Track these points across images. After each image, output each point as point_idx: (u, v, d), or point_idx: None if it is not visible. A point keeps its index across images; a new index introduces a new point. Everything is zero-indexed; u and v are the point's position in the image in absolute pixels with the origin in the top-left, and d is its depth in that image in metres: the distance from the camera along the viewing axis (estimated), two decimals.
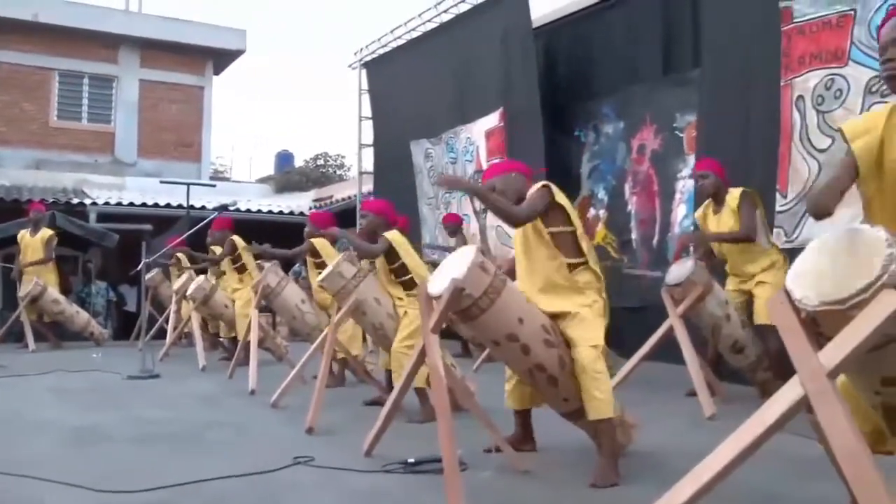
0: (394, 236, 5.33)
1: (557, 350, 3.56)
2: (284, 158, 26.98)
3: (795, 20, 6.32)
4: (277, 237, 14.57)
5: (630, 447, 3.80)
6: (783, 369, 2.21)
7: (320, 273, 6.76)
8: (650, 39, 8.61)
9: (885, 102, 2.52)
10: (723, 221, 5.67)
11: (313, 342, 6.65)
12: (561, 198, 3.76)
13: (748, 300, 5.65)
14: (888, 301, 1.89)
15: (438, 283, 3.41)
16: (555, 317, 3.64)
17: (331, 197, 16.96)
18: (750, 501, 3.12)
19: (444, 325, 3.54)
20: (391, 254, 5.32)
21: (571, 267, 3.73)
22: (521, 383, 3.90)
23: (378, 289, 5.41)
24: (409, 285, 5.32)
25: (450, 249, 8.77)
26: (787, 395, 2.06)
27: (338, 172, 24.66)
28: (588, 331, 3.61)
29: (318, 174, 23.46)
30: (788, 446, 2.99)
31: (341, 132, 67.47)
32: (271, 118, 61.80)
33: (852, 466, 1.95)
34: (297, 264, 12.05)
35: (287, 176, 22.36)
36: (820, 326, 2.05)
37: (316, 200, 17.54)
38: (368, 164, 13.49)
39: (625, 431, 3.75)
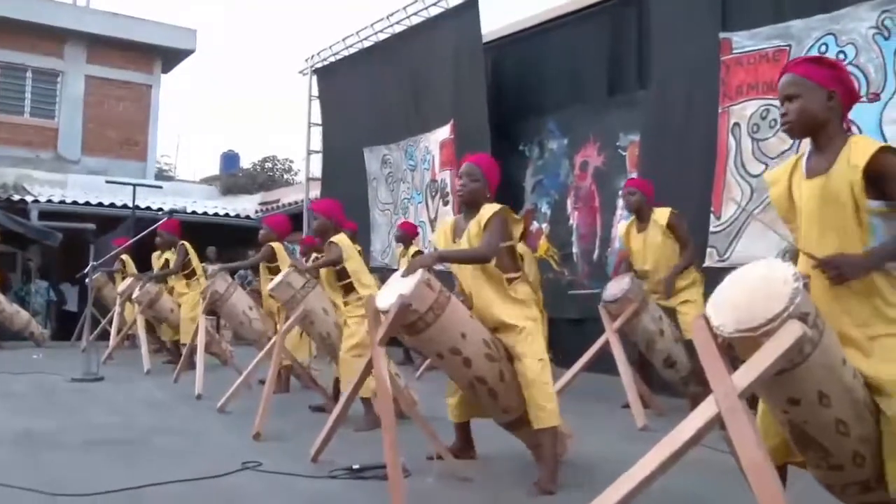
0: (341, 240, 5.42)
1: (498, 364, 3.75)
2: (230, 159, 26.71)
3: (734, 51, 6.64)
4: (224, 239, 14.65)
5: (566, 456, 4.00)
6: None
7: (271, 276, 6.90)
8: (596, 60, 8.91)
9: None
10: (649, 239, 5.92)
11: (260, 348, 6.78)
12: (512, 216, 3.96)
13: (671, 315, 5.89)
14: (792, 330, 2.11)
15: (386, 298, 3.57)
16: (498, 330, 3.83)
17: (277, 201, 16.96)
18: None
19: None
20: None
21: (509, 281, 3.93)
22: (463, 398, 4.07)
23: (325, 299, 5.54)
24: (349, 290, 5.42)
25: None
26: (703, 412, 2.28)
27: (285, 176, 24.57)
28: (533, 345, 3.81)
29: (266, 177, 23.35)
30: (710, 455, 3.20)
31: (289, 136, 66.98)
32: (218, 119, 61.17)
33: (757, 478, 2.17)
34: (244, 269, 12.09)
35: (233, 178, 22.23)
36: (735, 350, 2.27)
37: (262, 204, 17.52)
38: (317, 169, 13.59)
39: (560, 441, 3.95)
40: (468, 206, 4.04)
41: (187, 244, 8.56)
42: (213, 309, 7.30)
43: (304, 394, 6.70)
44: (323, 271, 5.48)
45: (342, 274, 5.40)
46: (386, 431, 3.40)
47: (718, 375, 2.26)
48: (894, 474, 2.34)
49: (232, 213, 16.79)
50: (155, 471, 3.90)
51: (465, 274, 3.96)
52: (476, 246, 3.86)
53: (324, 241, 5.48)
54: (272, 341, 5.75)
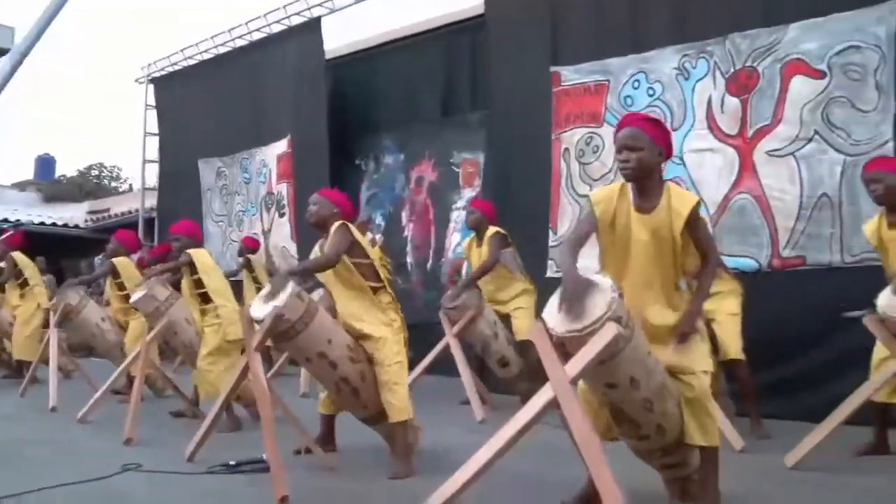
0: (196, 253, 5.77)
1: (360, 365, 4.23)
2: (45, 163, 25.52)
3: (563, 84, 7.45)
4: (51, 249, 14.24)
5: (418, 446, 4.50)
6: (538, 377, 3.00)
7: (119, 292, 7.03)
8: (432, 82, 9.54)
9: None
10: (483, 255, 6.52)
11: (113, 359, 6.91)
12: (357, 235, 4.43)
13: (506, 320, 6.51)
14: (610, 330, 2.71)
15: (260, 308, 3.97)
16: (361, 337, 4.29)
17: (108, 210, 16.60)
18: (515, 485, 3.87)
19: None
20: (194, 268, 5.74)
21: (374, 290, 4.41)
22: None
23: (188, 310, 5.81)
24: (206, 300, 5.74)
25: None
26: (541, 397, 2.84)
27: (112, 184, 23.85)
28: (390, 350, 4.29)
29: (93, 185, 22.62)
30: (547, 439, 3.76)
31: (114, 143, 64.23)
32: (32, 121, 58.00)
33: (586, 448, 2.76)
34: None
35: (56, 185, 21.42)
36: (566, 347, 2.84)
37: (91, 213, 17.07)
38: (150, 179, 13.53)
39: (413, 433, 4.45)
40: (318, 229, 4.53)
41: (15, 255, 8.33)
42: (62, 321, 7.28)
43: (157, 401, 6.90)
44: (185, 283, 5.78)
45: (199, 284, 5.74)
46: (266, 426, 3.79)
47: (553, 366, 2.82)
48: (691, 430, 3.09)
49: (59, 223, 16.29)
50: (32, 479, 3.96)
51: (333, 288, 4.40)
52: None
53: None
54: (136, 351, 5.90)
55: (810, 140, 5.95)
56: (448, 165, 9.34)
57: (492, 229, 6.49)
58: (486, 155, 8.58)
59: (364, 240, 4.52)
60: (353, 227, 4.40)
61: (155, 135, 13.17)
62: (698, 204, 3.17)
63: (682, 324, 3.15)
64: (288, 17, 10.49)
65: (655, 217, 3.16)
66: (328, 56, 10.28)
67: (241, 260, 9.60)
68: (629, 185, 3.27)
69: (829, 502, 3.75)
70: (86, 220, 16.58)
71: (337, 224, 4.36)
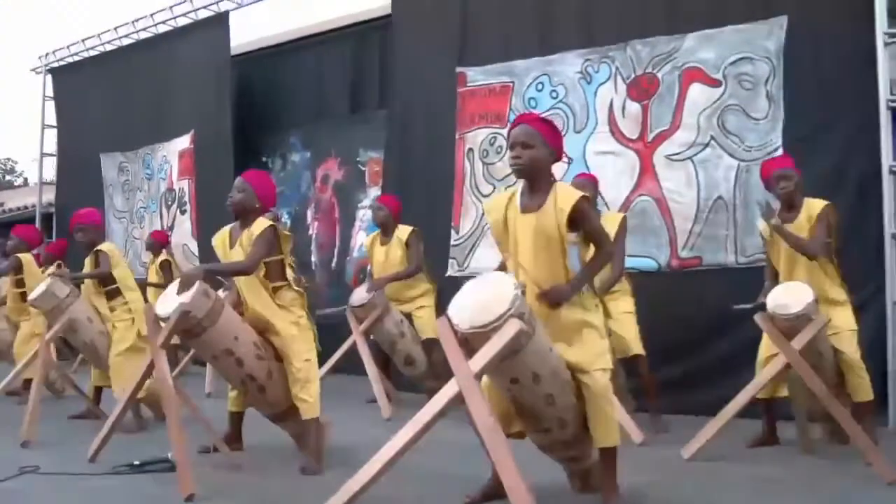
0: (109, 249, 5.68)
1: (266, 363, 4.22)
2: None
3: (469, 84, 7.56)
4: None
5: (327, 443, 4.50)
6: (443, 375, 3.08)
7: (19, 290, 6.81)
8: (340, 80, 9.55)
9: None
10: (391, 253, 6.55)
11: (4, 358, 6.68)
12: (281, 232, 4.41)
13: (409, 319, 6.54)
14: (513, 326, 2.79)
15: (166, 305, 3.93)
16: (268, 332, 4.28)
17: (1, 204, 15.96)
18: (421, 479, 3.93)
19: None
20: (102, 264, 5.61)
21: (275, 289, 4.39)
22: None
23: (90, 307, 5.66)
24: (112, 295, 5.62)
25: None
26: (447, 392, 2.91)
27: (7, 178, 22.92)
28: (299, 346, 4.29)
29: None
30: (452, 435, 3.82)
31: (9, 135, 61.46)
32: None
33: (489, 438, 2.84)
34: None
35: None
36: (470, 343, 2.91)
37: None
38: (48, 173, 13.06)
39: (321, 430, 4.46)
40: (237, 217, 4.46)
41: None
42: None
43: (57, 402, 6.71)
44: (88, 281, 5.63)
45: (106, 280, 5.61)
46: (172, 424, 3.76)
47: (458, 362, 2.90)
48: (595, 433, 3.19)
49: None
50: None
51: (241, 282, 4.37)
52: (241, 259, 4.28)
53: (91, 250, 5.64)
54: (33, 353, 5.70)
55: (707, 145, 6.20)
56: (354, 164, 9.37)
57: (406, 228, 6.53)
58: (385, 153, 8.62)
59: (285, 236, 4.49)
60: (279, 229, 4.38)
61: (54, 127, 12.67)
62: (582, 199, 3.26)
63: (553, 288, 3.21)
64: (195, 10, 10.26)
65: (542, 215, 3.27)
66: (236, 52, 10.10)
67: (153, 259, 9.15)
68: (519, 190, 3.39)
69: (723, 491, 3.92)
70: None
71: (265, 227, 4.28)
